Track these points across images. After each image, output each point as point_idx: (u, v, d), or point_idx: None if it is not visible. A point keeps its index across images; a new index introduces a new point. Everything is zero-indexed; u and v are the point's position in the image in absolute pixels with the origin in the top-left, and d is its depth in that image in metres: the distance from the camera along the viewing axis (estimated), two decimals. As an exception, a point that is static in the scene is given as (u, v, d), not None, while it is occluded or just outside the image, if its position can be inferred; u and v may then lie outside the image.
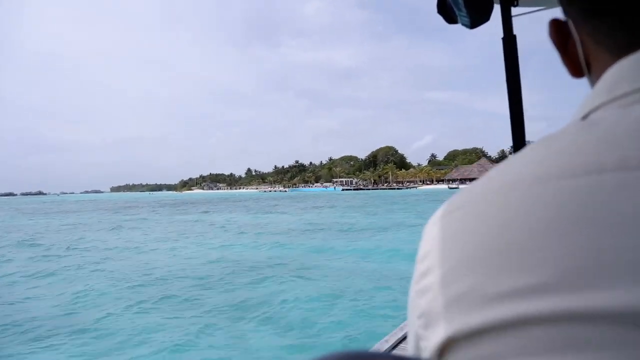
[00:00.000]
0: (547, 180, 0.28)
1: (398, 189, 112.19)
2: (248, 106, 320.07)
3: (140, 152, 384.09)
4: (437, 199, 48.90)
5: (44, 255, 14.99)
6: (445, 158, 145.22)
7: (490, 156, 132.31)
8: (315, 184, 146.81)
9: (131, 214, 40.25)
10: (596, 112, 0.33)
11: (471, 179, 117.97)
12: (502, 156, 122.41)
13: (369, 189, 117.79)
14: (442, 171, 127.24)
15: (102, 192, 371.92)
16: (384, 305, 7.70)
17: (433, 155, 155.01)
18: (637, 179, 0.26)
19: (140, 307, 8.13)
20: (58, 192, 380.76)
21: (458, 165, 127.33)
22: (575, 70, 0.40)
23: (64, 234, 22.73)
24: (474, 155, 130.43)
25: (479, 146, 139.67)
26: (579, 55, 0.38)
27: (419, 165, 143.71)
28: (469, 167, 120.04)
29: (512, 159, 0.33)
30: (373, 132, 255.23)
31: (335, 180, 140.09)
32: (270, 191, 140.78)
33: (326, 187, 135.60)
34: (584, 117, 0.34)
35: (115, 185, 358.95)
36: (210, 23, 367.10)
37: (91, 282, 10.38)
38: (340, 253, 13.76)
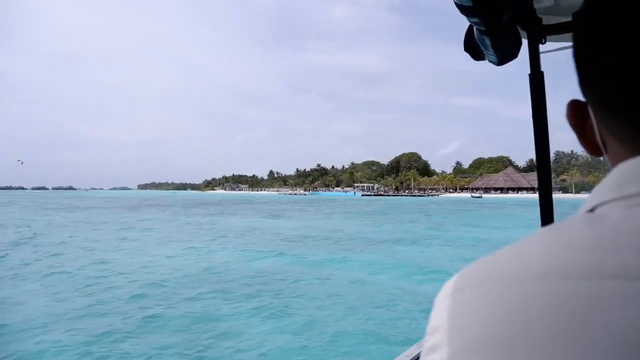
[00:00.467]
0: (549, 278, 0.29)
1: (419, 196, 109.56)
2: (272, 108, 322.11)
3: (167, 151, 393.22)
4: (460, 209, 46.89)
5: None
6: (471, 166, 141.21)
7: (517, 165, 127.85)
8: (336, 188, 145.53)
9: (141, 212, 40.23)
10: (604, 206, 0.33)
11: (496, 189, 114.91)
12: (530, 166, 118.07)
13: (390, 195, 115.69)
14: (467, 179, 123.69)
15: (129, 189, 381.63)
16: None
17: (458, 163, 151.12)
18: (630, 287, 0.27)
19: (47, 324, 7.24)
20: (88, 188, 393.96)
21: (483, 173, 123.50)
22: (593, 150, 0.40)
23: (59, 231, 22.54)
24: (500, 164, 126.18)
25: (506, 155, 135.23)
26: (596, 138, 0.39)
27: (443, 172, 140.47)
28: (494, 176, 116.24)
29: (523, 244, 0.34)
30: (398, 137, 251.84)
31: (356, 185, 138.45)
32: (290, 194, 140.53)
33: (346, 191, 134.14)
34: (591, 210, 0.34)
35: (142, 183, 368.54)
36: (236, 25, 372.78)
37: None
38: (329, 266, 12.61)
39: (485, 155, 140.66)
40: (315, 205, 56.47)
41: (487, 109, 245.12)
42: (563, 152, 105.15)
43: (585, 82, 0.38)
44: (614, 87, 0.34)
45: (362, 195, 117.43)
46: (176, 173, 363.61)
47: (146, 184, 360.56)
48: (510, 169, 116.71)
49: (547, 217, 1.27)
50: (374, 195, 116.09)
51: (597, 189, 0.36)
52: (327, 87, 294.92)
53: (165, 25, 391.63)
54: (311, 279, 10.87)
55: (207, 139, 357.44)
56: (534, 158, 1.30)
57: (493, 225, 26.04)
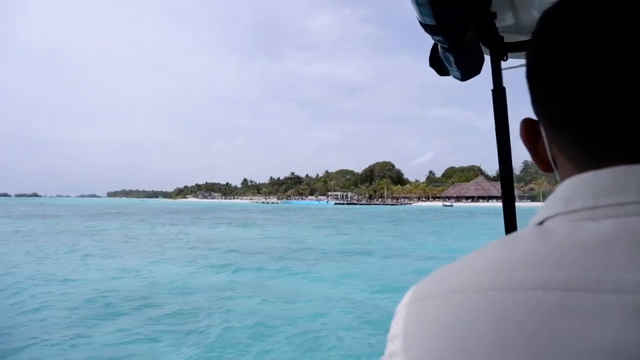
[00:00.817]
0: (499, 290, 0.31)
1: (392, 204, 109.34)
2: (250, 115, 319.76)
3: (140, 158, 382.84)
4: (431, 218, 46.19)
5: None
6: (443, 175, 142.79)
7: (487, 174, 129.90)
8: (309, 197, 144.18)
9: (95, 222, 37.67)
10: (552, 219, 0.36)
11: (467, 197, 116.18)
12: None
13: (362, 204, 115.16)
14: (439, 188, 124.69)
15: (98, 196, 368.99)
16: None
17: (431, 172, 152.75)
18: (574, 300, 0.28)
19: None
20: (54, 195, 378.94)
21: (455, 182, 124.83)
22: (544, 167, 0.42)
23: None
24: (472, 173, 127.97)
25: (477, 164, 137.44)
26: (547, 155, 0.41)
27: (416, 181, 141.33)
28: (465, 185, 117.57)
29: (476, 256, 0.36)
30: (374, 147, 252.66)
31: (330, 193, 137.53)
32: (262, 202, 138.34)
33: (319, 200, 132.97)
34: (541, 223, 0.37)
35: (112, 190, 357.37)
36: (216, 31, 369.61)
37: None
38: (275, 280, 11.13)
39: (458, 165, 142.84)
40: (284, 214, 54.90)
41: (460, 120, 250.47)
42: (531, 162, 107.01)
43: (536, 101, 0.40)
44: (561, 107, 0.36)
45: (335, 204, 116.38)
46: (148, 180, 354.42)
47: (116, 192, 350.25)
48: (480, 178, 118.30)
49: (510, 226, 1.31)
50: (347, 204, 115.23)
51: (547, 202, 0.38)
52: (305, 96, 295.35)
53: (145, 29, 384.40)
54: (249, 296, 9.46)
55: (182, 145, 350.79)
56: None
57: (460, 235, 25.23)
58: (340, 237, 23.90)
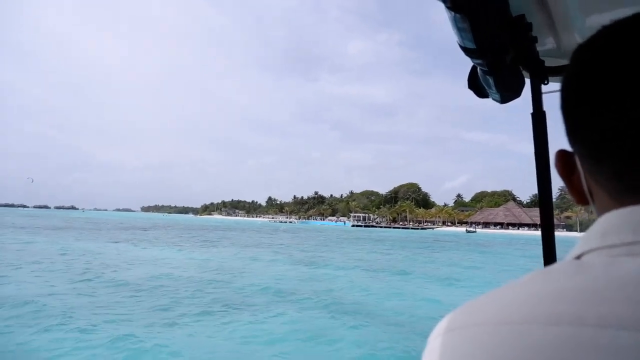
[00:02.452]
0: (530, 325, 0.31)
1: (413, 228, 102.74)
2: (280, 135, 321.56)
3: (174, 175, 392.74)
4: (443, 247, 40.79)
5: None
6: (473, 199, 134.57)
7: (520, 200, 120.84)
8: (329, 218, 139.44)
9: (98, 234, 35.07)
10: (589, 254, 0.35)
11: (495, 224, 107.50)
12: (534, 201, 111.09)
13: (382, 227, 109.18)
14: (466, 213, 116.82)
15: (133, 210, 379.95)
16: None
17: (459, 196, 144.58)
18: (609, 337, 0.27)
19: None
20: (92, 208, 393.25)
21: (483, 207, 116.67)
22: (580, 199, 0.41)
23: None
24: (502, 199, 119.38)
25: (510, 189, 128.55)
26: (583, 187, 0.40)
27: (445, 205, 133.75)
28: (493, 211, 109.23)
29: (510, 288, 0.36)
30: (404, 170, 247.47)
31: (352, 215, 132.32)
32: (279, 222, 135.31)
33: (338, 221, 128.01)
34: (578, 257, 0.36)
35: (146, 205, 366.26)
36: (250, 52, 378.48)
37: None
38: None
39: (490, 190, 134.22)
40: (283, 235, 50.79)
41: (495, 144, 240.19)
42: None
43: (572, 132, 0.39)
44: (600, 140, 0.35)
45: (352, 225, 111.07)
46: (180, 197, 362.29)
47: (149, 207, 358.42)
48: (511, 204, 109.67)
49: (549, 256, 1.28)
50: (365, 226, 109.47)
51: (584, 236, 0.37)
52: (336, 117, 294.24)
53: (182, 52, 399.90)
54: None
55: (214, 164, 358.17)
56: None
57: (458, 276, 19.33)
58: (306, 271, 19.55)
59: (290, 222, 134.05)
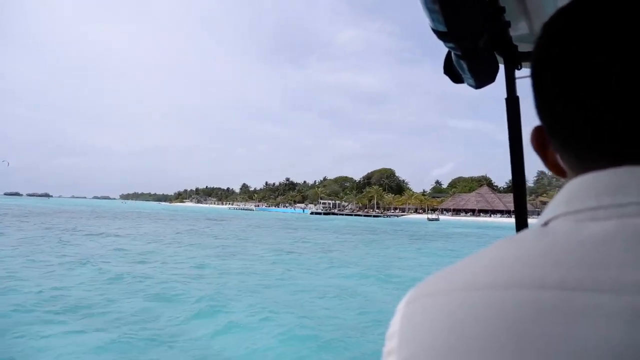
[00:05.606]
0: (494, 289, 0.31)
1: (375, 216, 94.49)
2: (271, 123, 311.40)
3: (157, 163, 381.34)
4: (384, 238, 32.32)
5: None
6: (449, 185, 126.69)
7: (496, 186, 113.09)
8: (297, 205, 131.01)
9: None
10: (555, 220, 0.36)
11: (466, 210, 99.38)
12: (510, 187, 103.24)
13: (342, 214, 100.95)
14: (439, 200, 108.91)
15: (111, 198, 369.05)
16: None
17: (438, 182, 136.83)
18: (570, 300, 0.28)
19: None
20: (70, 195, 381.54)
21: (456, 192, 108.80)
22: (557, 171, 0.42)
23: None
24: (477, 184, 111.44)
25: (492, 176, 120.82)
26: (558, 160, 0.42)
27: (424, 192, 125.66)
28: (465, 196, 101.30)
29: (478, 256, 0.36)
30: (391, 158, 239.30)
31: (322, 201, 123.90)
32: (235, 208, 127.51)
33: (302, 208, 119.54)
34: (545, 223, 0.37)
35: (125, 193, 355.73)
36: (242, 39, 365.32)
37: None
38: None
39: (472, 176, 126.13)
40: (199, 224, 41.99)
41: (481, 131, 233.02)
42: (543, 172, 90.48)
43: (539, 111, 0.40)
44: (561, 112, 0.37)
45: (311, 213, 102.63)
46: (160, 185, 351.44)
47: (128, 194, 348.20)
48: (484, 189, 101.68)
49: None
50: (324, 214, 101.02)
51: (551, 203, 0.38)
52: (327, 105, 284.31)
53: (172, 38, 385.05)
54: None
55: (199, 152, 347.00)
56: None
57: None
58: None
59: (248, 209, 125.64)
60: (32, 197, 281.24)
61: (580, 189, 0.35)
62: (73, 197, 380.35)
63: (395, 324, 0.37)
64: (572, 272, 0.29)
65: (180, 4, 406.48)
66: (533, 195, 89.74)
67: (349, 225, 50.25)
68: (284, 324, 8.24)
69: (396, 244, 27.41)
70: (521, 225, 1.26)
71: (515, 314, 0.29)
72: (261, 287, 11.80)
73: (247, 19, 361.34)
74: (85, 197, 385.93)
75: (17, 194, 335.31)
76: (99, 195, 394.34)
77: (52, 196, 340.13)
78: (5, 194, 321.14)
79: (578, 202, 0.35)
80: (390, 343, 0.37)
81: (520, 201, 1.28)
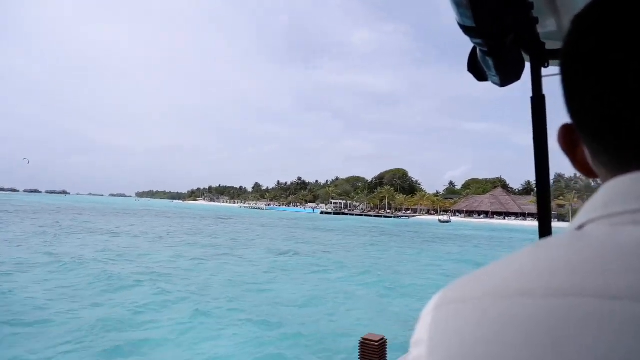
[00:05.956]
0: (528, 296, 0.29)
1: (386, 217, 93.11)
2: (281, 123, 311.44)
3: (171, 161, 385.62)
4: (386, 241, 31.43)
5: None
6: (463, 187, 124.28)
7: (512, 188, 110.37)
8: (309, 204, 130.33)
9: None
10: (591, 224, 0.34)
11: (479, 212, 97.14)
12: (526, 189, 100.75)
13: (352, 214, 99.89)
14: (452, 201, 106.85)
15: (127, 196, 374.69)
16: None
17: (451, 183, 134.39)
18: (610, 308, 0.26)
19: None
20: (87, 193, 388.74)
21: (469, 194, 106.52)
22: (588, 173, 0.40)
23: None
24: (492, 186, 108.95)
25: (508, 178, 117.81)
26: (587, 160, 0.39)
27: (437, 193, 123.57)
28: (479, 198, 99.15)
29: (508, 261, 0.34)
30: (403, 159, 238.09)
31: (333, 201, 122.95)
32: (247, 207, 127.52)
33: (311, 208, 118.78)
34: (580, 227, 0.35)
35: (141, 190, 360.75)
36: (252, 39, 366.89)
37: None
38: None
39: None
40: (210, 223, 41.68)
41: (497, 133, 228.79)
42: (561, 175, 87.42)
43: (571, 109, 0.38)
44: (593, 115, 0.35)
45: (321, 212, 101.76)
46: (176, 183, 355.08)
47: (143, 192, 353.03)
48: (498, 190, 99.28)
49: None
50: (335, 213, 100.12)
51: (586, 206, 0.36)
52: (337, 106, 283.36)
53: (183, 38, 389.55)
54: None
55: (213, 151, 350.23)
56: (531, 180, 1.34)
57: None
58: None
59: (259, 208, 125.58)
60: (50, 195, 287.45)
61: (618, 192, 0.33)
62: (90, 194, 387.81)
63: (422, 330, 0.36)
64: (612, 280, 0.27)
65: (197, 7, 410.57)
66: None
67: (357, 226, 49.25)
68: (246, 333, 7.50)
69: (407, 247, 26.36)
70: (545, 228, 1.23)
71: (552, 323, 0.27)
72: (234, 289, 11.07)
73: (258, 20, 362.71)
74: (102, 195, 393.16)
75: (36, 191, 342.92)
76: (115, 193, 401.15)
77: (69, 193, 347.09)
78: (25, 191, 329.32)
79: (616, 204, 0.33)
80: (418, 350, 0.35)
81: (545, 203, 1.25)
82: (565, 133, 0.40)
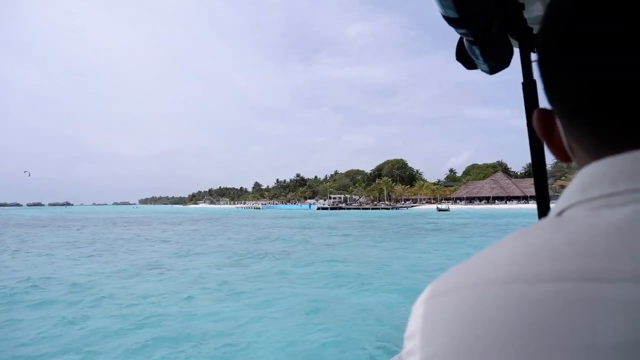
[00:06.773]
0: (514, 283, 0.30)
1: (384, 209, 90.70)
2: (281, 120, 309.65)
3: (173, 166, 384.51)
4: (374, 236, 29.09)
5: None
6: (464, 173, 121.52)
7: (513, 171, 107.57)
8: (308, 201, 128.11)
9: None
10: (570, 209, 0.34)
11: (480, 198, 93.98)
12: (528, 171, 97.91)
13: (349, 208, 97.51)
14: (451, 188, 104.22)
15: (131, 204, 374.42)
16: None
17: (452, 171, 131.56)
18: (591, 291, 0.27)
19: None
20: (91, 203, 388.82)
21: (470, 180, 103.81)
22: (562, 157, 0.40)
23: None
24: (492, 170, 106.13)
25: (508, 162, 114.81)
26: (564, 144, 0.39)
27: (438, 182, 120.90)
28: (479, 183, 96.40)
29: (493, 250, 0.35)
30: (407, 149, 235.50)
31: (332, 196, 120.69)
32: (242, 207, 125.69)
33: (308, 204, 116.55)
34: (560, 213, 0.35)
35: (144, 197, 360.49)
36: (251, 38, 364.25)
37: None
38: None
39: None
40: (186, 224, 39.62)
41: (497, 119, 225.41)
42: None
43: (548, 90, 0.37)
44: (574, 96, 0.34)
45: (317, 208, 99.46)
46: (178, 188, 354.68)
47: (146, 199, 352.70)
48: (499, 175, 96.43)
49: None
50: (331, 208, 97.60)
51: (565, 192, 0.36)
52: (337, 100, 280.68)
53: (180, 39, 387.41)
54: None
55: (214, 154, 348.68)
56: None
57: None
58: None
59: (255, 207, 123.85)
60: (53, 207, 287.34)
61: (594, 176, 0.33)
62: (94, 204, 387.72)
63: (414, 323, 0.36)
64: (590, 263, 0.28)
65: (189, 3, 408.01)
66: (551, 179, 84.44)
67: (342, 221, 46.93)
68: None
69: (394, 240, 24.11)
70: (543, 211, 1.23)
71: (538, 308, 0.28)
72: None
73: (254, 18, 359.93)
74: (106, 204, 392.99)
75: (39, 204, 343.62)
76: (119, 202, 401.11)
77: (72, 204, 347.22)
78: (28, 205, 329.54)
79: (593, 189, 0.33)
80: (411, 342, 0.36)
81: (542, 187, 1.25)
82: (541, 116, 0.40)
